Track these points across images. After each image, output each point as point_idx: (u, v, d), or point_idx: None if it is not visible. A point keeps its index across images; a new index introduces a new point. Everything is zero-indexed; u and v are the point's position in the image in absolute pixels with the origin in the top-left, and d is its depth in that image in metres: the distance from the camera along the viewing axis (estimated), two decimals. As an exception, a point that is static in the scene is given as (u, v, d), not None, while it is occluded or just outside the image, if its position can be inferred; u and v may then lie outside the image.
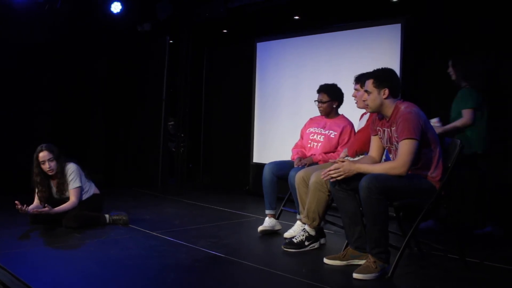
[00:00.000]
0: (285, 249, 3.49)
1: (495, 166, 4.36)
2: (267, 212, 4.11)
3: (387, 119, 3.05)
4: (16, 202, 3.86)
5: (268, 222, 4.04)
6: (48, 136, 5.98)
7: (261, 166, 3.99)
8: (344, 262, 3.13)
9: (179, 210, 5.13)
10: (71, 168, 4.16)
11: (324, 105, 4.04)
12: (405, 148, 2.87)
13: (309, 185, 3.46)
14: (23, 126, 5.78)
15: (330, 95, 4.03)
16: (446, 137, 3.24)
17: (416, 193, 2.97)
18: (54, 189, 4.20)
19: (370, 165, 2.99)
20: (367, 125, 3.56)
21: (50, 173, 4.12)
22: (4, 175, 5.54)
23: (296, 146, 4.22)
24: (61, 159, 4.16)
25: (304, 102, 4.74)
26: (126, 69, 7.16)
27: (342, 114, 4.13)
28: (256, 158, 6.43)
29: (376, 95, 3.02)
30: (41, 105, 5.90)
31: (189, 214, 4.94)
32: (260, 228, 4.01)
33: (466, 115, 3.97)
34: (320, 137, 4.05)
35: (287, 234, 3.85)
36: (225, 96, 7.24)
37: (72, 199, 4.10)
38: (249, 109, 6.58)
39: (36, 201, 4.14)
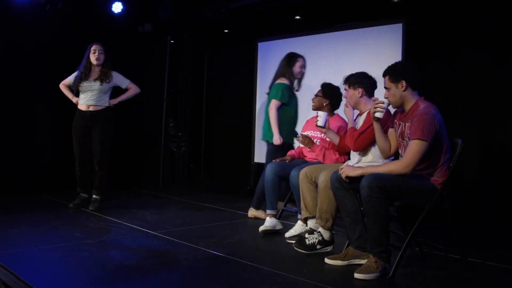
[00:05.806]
0: (295, 248, 3.45)
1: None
2: (268, 212, 4.12)
3: (405, 114, 3.04)
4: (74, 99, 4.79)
5: (269, 222, 4.04)
6: (49, 137, 5.99)
7: (262, 166, 3.99)
8: (345, 262, 3.13)
9: (180, 210, 5.13)
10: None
11: (315, 99, 4.12)
12: (414, 148, 2.85)
13: (318, 185, 3.42)
14: (25, 127, 5.77)
15: (324, 92, 4.08)
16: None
17: (418, 193, 2.95)
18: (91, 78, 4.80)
19: (373, 166, 2.99)
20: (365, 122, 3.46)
21: (95, 62, 4.77)
22: (6, 176, 5.54)
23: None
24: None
25: (305, 102, 4.74)
26: (126, 69, 7.14)
27: (337, 114, 4.14)
28: (257, 158, 6.43)
29: (394, 90, 3.02)
30: (42, 105, 5.88)
31: (190, 214, 4.94)
32: (261, 228, 4.01)
33: None
34: (316, 141, 4.07)
35: (288, 234, 3.85)
36: (226, 96, 7.24)
37: (135, 86, 5.13)
38: (250, 109, 6.58)
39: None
